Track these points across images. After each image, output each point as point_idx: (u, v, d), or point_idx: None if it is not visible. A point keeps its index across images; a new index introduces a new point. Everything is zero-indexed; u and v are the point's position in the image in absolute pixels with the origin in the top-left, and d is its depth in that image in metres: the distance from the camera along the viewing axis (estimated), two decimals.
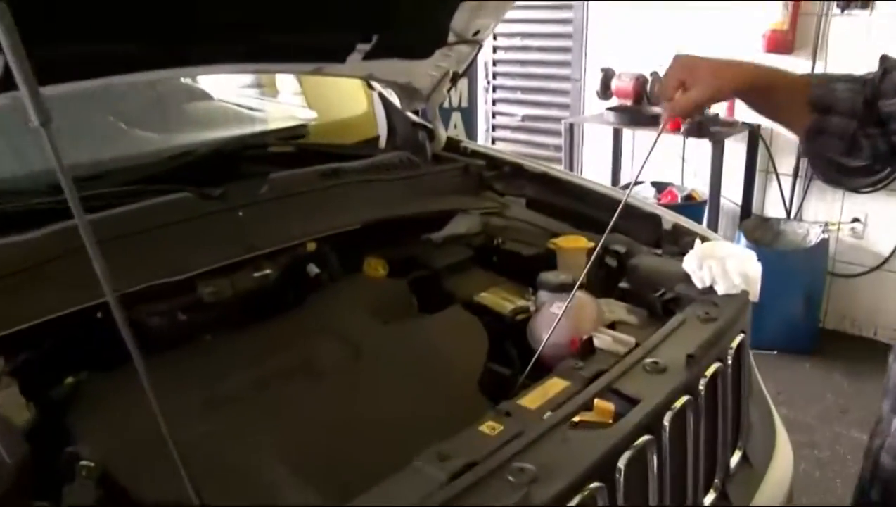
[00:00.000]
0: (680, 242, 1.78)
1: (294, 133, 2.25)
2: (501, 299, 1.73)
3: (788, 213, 4.05)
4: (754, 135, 4.02)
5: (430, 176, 2.07)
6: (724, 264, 1.52)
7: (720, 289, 1.50)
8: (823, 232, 3.84)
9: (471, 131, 4.46)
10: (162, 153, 1.84)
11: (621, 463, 1.06)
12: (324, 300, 1.60)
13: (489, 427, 1.13)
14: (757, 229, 4.00)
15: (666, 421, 1.15)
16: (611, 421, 1.13)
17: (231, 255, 1.50)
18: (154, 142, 2.04)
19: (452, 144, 2.36)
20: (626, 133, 4.50)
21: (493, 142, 5.50)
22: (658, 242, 1.87)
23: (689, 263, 1.56)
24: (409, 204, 1.93)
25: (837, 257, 3.99)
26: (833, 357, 3.75)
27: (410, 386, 1.35)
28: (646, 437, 1.10)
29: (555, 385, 1.29)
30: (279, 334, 1.45)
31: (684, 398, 1.20)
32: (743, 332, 1.44)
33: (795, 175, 3.99)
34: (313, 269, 1.67)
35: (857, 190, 3.75)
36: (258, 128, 2.42)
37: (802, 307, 3.78)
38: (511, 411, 1.17)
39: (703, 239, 1.75)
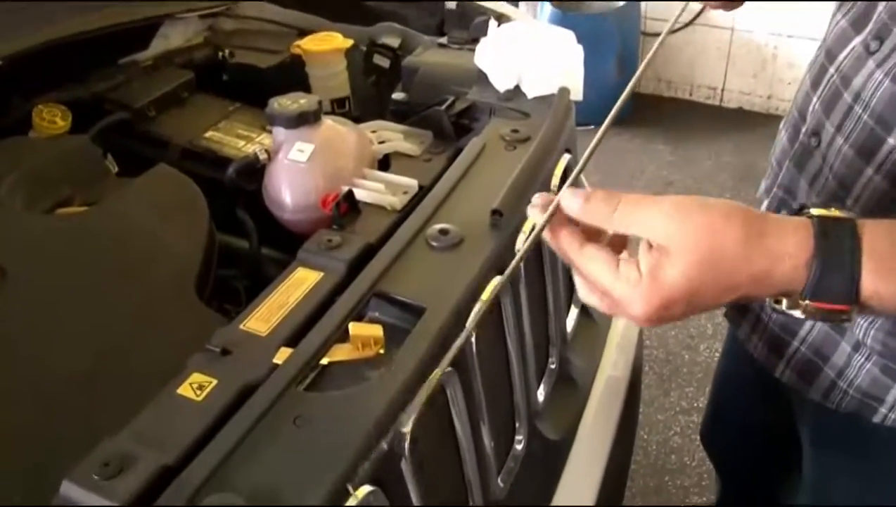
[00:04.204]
0: (470, 25, 1.30)
1: None
2: (236, 138, 1.24)
3: None
4: None
5: None
6: (531, 53, 1.06)
7: (529, 91, 1.06)
8: None
9: None
10: None
11: (405, 429, 0.63)
12: None
13: (194, 388, 0.68)
14: None
15: (470, 332, 0.71)
16: (381, 351, 0.69)
17: None
18: None
19: None
20: None
21: None
22: (441, 28, 1.38)
23: (483, 55, 1.10)
24: (90, 14, 1.32)
25: (648, 14, 3.64)
26: (652, 125, 3.49)
27: (86, 312, 0.83)
28: (440, 373, 0.66)
29: (300, 281, 0.83)
30: None
31: (495, 282, 0.76)
32: (569, 151, 1.01)
33: None
34: None
35: None
36: None
37: (616, 74, 3.41)
38: (231, 346, 0.72)
39: (501, 18, 1.28)
